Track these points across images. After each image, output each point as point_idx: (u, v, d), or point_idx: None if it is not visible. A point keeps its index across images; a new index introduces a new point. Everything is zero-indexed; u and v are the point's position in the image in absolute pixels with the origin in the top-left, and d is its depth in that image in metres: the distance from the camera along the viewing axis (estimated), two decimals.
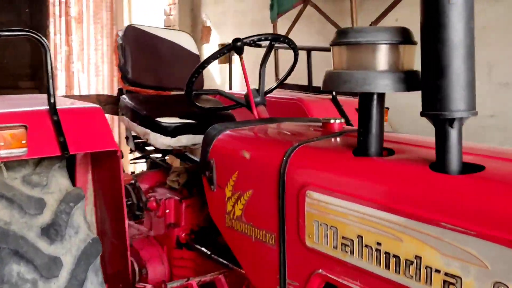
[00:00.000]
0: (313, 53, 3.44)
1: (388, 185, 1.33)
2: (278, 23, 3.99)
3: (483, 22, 3.07)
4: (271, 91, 2.44)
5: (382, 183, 1.35)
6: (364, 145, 1.46)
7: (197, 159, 3.06)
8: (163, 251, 2.55)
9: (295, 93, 3.29)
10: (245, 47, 3.79)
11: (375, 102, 1.43)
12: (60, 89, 7.93)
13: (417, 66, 1.40)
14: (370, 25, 3.13)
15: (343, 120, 1.89)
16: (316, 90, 3.52)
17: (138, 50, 2.84)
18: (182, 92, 3.11)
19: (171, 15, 5.75)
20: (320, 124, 1.96)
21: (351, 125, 2.52)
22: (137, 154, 3.18)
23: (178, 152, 2.91)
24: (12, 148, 1.77)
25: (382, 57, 1.36)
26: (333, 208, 1.43)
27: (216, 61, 2.39)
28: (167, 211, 2.54)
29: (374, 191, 1.35)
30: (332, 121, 1.86)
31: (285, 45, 2.37)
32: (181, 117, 2.56)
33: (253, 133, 1.95)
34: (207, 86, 3.63)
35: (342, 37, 1.41)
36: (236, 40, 2.03)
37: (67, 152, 1.92)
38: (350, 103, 3.00)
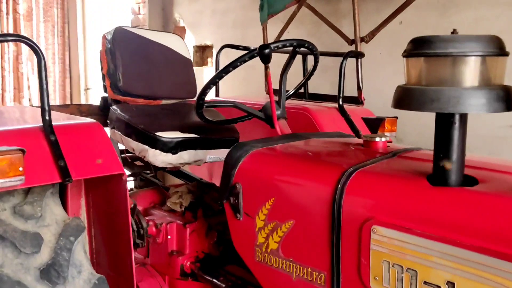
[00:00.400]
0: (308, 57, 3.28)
1: (487, 223, 1.17)
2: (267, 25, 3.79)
3: (500, 26, 2.99)
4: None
5: (477, 220, 1.18)
6: (443, 173, 1.28)
7: (193, 176, 2.84)
8: (165, 282, 2.31)
9: (293, 101, 3.11)
10: (227, 50, 3.61)
11: (457, 124, 1.26)
12: (9, 92, 7.45)
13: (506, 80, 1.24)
14: (377, 29, 2.98)
15: (388, 138, 1.72)
16: (313, 97, 3.36)
17: (128, 55, 2.57)
18: (174, 101, 2.90)
19: (139, 14, 5.44)
20: (361, 141, 1.79)
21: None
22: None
23: (172, 169, 2.67)
24: (8, 177, 1.50)
25: (475, 71, 1.19)
26: (411, 248, 1.25)
27: None
28: (169, 237, 2.30)
29: (467, 229, 1.18)
30: (377, 139, 1.69)
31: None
32: (182, 131, 2.33)
33: (289, 154, 1.75)
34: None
35: (423, 47, 1.23)
36: (264, 46, 1.81)
37: (69, 179, 1.66)
38: (354, 112, 2.86)
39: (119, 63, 2.50)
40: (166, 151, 2.27)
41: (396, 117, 2.90)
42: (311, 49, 2.07)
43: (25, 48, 7.70)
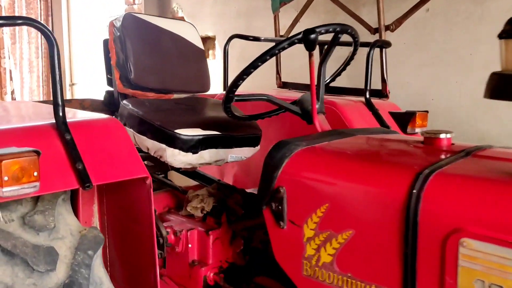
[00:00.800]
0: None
1: None
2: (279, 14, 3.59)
3: None
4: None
5: None
6: None
7: (209, 177, 2.63)
8: None
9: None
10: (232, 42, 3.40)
11: None
12: None
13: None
14: (404, 17, 2.78)
15: (453, 134, 1.52)
16: (332, 91, 3.17)
17: (139, 45, 2.35)
18: (186, 95, 2.68)
19: (135, 4, 5.20)
20: (419, 138, 1.60)
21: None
22: None
23: (188, 170, 2.46)
24: (21, 183, 1.28)
25: None
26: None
27: None
28: (190, 245, 2.09)
29: None
30: (442, 136, 1.50)
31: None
32: (202, 128, 2.12)
33: (341, 153, 1.55)
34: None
35: None
36: (308, 31, 1.61)
37: (89, 184, 1.44)
38: (380, 106, 2.67)
39: (130, 53, 2.28)
40: (186, 150, 2.06)
41: (427, 111, 2.73)
42: (353, 35, 1.87)
43: (7, 41, 7.41)
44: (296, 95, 2.60)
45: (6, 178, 1.25)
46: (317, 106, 1.82)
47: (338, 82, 3.13)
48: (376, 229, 1.33)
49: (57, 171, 1.42)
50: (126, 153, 1.60)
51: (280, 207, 1.55)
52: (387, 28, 2.87)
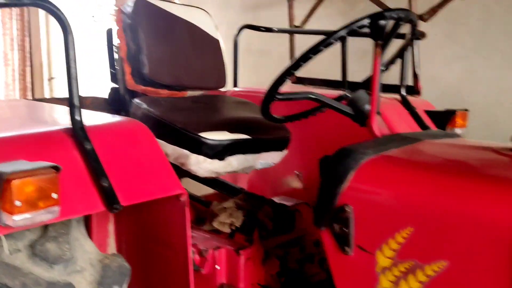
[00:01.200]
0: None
1: None
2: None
3: None
4: None
5: None
6: None
7: (232, 185, 2.37)
8: None
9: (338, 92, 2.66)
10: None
11: None
12: None
13: None
14: (439, 5, 2.54)
15: None
16: (353, 87, 2.92)
17: (153, 34, 2.08)
18: (200, 93, 2.42)
19: None
20: (506, 145, 1.36)
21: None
22: None
23: (209, 178, 2.20)
24: (37, 209, 1.01)
25: None
26: None
27: None
28: (218, 267, 1.83)
29: None
30: None
31: None
32: (229, 131, 1.86)
33: (421, 164, 1.30)
34: None
35: None
36: (379, 16, 1.36)
37: (117, 205, 1.18)
38: (414, 104, 2.44)
39: (144, 44, 2.00)
40: (212, 157, 1.79)
41: (467, 110, 2.50)
42: (414, 22, 1.62)
43: None
44: (317, 90, 2.35)
45: (18, 203, 0.98)
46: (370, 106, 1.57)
47: (355, 77, 2.89)
48: (478, 261, 1.08)
49: (77, 190, 1.16)
50: (156, 164, 1.34)
51: (345, 229, 1.30)
52: (420, 17, 2.63)
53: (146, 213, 1.48)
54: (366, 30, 1.45)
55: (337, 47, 1.98)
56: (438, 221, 1.15)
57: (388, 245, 1.23)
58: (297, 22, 3.30)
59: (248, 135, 1.90)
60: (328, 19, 3.39)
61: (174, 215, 1.37)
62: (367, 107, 1.56)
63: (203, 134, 1.78)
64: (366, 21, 1.40)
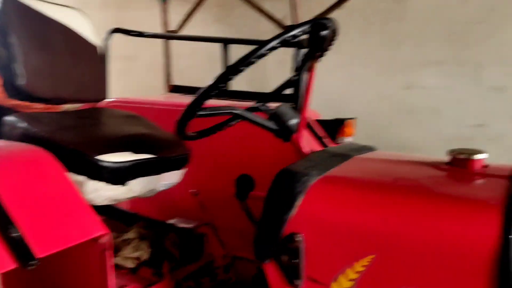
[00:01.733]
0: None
1: None
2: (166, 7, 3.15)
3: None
4: None
5: None
6: None
7: (127, 211, 2.14)
8: None
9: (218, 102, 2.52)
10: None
11: None
12: None
13: None
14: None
15: (486, 155, 1.31)
16: (233, 96, 2.84)
17: (26, 39, 1.77)
18: (79, 105, 2.15)
19: None
20: (440, 159, 1.36)
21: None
22: None
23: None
24: None
25: None
26: None
27: None
28: None
29: None
30: (476, 156, 1.28)
31: None
32: (131, 151, 1.65)
33: (377, 183, 1.23)
34: None
35: None
36: (319, 25, 1.26)
37: (33, 261, 0.94)
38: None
39: (19, 50, 1.69)
40: (114, 182, 1.57)
41: (355, 118, 2.56)
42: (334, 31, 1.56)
43: None
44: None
45: None
46: (297, 120, 1.49)
47: (236, 86, 2.83)
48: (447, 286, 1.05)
49: None
50: (70, 201, 1.10)
51: (294, 260, 1.19)
52: None
53: (54, 263, 1.23)
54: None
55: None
56: (401, 247, 1.09)
57: (346, 275, 1.15)
58: (171, 27, 3.14)
59: (150, 154, 1.71)
60: (202, 24, 3.27)
61: (92, 262, 1.15)
62: (293, 121, 1.48)
63: (101, 157, 1.55)
64: (308, 29, 1.30)
